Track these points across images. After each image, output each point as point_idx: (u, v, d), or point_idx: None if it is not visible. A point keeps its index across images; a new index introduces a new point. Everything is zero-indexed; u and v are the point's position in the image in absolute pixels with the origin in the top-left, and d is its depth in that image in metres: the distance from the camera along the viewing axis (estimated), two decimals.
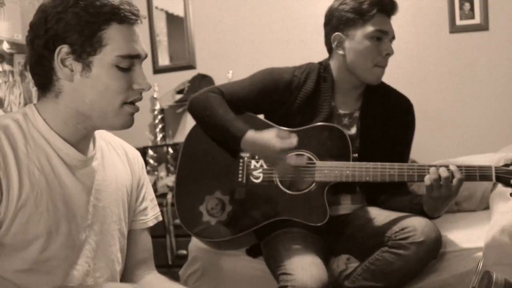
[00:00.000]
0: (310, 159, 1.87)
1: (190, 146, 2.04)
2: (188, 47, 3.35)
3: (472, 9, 2.92)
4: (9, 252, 1.10)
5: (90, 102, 1.14)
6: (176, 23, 3.38)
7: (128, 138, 1.39)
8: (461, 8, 2.94)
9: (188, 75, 3.30)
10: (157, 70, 3.42)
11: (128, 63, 1.15)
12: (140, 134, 3.26)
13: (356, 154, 1.90)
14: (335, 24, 1.94)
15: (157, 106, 3.26)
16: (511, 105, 2.90)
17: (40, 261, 1.13)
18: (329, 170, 1.83)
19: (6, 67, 2.34)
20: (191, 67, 3.35)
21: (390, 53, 1.91)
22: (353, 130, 1.96)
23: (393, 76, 3.04)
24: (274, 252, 1.81)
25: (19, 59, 2.44)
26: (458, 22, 2.95)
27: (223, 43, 3.29)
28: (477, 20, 2.92)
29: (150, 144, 3.26)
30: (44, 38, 1.12)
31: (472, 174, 1.71)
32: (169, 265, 2.87)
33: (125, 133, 1.32)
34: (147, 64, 3.42)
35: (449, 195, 1.70)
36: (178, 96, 3.24)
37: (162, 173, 3.18)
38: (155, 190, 3.05)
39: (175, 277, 2.14)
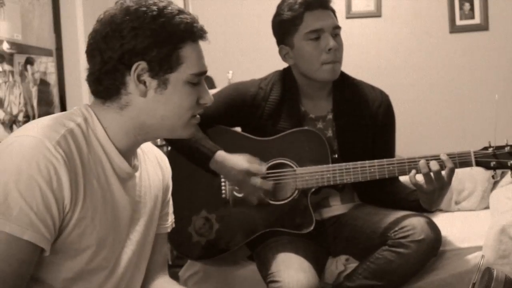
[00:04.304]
0: (290, 166, 1.85)
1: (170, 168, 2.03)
2: None
3: (472, 9, 2.93)
4: (60, 260, 1.09)
5: (161, 117, 1.14)
6: None
7: None
8: (461, 8, 2.94)
9: None
10: None
11: (199, 79, 1.16)
12: None
13: (336, 155, 1.87)
14: (277, 37, 1.95)
15: None
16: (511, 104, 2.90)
17: (84, 271, 1.12)
18: (310, 176, 1.81)
19: (6, 67, 2.33)
20: None
21: (332, 47, 1.82)
22: (329, 133, 1.92)
23: (393, 75, 3.06)
24: (264, 261, 1.81)
25: (19, 59, 2.43)
26: (458, 22, 2.95)
27: (223, 43, 3.29)
28: (477, 20, 2.93)
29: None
30: (119, 52, 1.09)
31: (452, 162, 1.68)
32: (169, 265, 2.85)
33: None
34: None
35: (441, 187, 1.67)
36: None
37: None
38: None
39: (175, 277, 2.15)
